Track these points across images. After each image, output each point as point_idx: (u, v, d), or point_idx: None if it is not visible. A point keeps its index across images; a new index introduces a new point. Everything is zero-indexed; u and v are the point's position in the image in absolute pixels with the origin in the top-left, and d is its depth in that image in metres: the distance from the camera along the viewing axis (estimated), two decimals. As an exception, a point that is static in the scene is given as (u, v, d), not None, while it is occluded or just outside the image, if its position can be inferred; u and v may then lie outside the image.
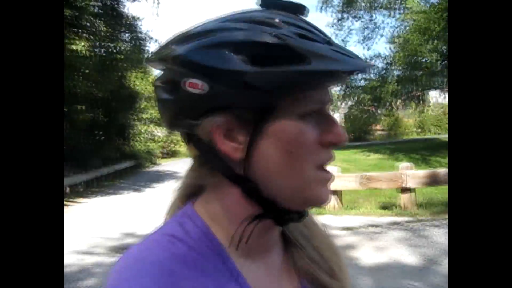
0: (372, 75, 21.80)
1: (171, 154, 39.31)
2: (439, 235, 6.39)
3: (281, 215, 0.68)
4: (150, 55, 0.75)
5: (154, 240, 0.67)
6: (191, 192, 0.75)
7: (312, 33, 0.65)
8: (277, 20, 0.64)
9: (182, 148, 39.19)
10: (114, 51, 17.61)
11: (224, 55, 0.62)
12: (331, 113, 0.69)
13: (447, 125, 36.95)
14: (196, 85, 0.62)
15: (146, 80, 27.84)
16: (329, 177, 0.68)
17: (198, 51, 0.64)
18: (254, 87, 0.61)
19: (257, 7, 0.69)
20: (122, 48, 17.97)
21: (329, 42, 0.66)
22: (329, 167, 0.70)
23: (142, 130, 32.22)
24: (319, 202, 0.68)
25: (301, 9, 0.69)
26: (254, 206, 0.67)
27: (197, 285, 0.63)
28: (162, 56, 0.69)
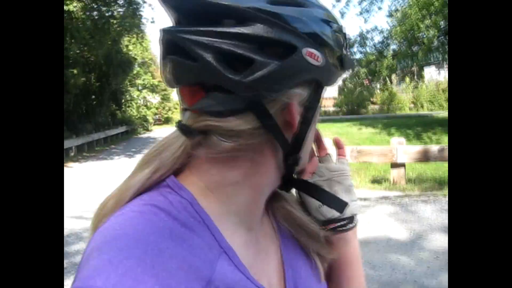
0: (368, 49, 21.65)
1: (164, 120, 39.14)
2: (427, 211, 6.46)
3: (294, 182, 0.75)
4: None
5: (136, 212, 0.61)
6: (178, 166, 0.69)
7: None
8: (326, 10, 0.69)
9: (176, 115, 39.06)
10: (107, 14, 17.26)
11: (332, 33, 0.66)
12: None
13: (441, 102, 37.07)
14: (314, 56, 0.61)
15: (141, 46, 27.51)
16: None
17: (315, 21, 0.63)
18: (343, 68, 0.68)
19: None
20: (116, 11, 17.61)
21: None
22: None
23: (135, 96, 32.04)
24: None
25: None
26: (278, 177, 0.70)
27: (184, 264, 0.58)
28: (265, 10, 0.59)
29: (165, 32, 0.61)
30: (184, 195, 0.65)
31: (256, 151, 0.65)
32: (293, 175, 0.72)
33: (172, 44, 0.61)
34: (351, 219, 0.83)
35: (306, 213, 0.81)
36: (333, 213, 0.80)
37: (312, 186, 0.78)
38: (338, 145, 0.87)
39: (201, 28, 0.59)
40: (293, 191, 0.81)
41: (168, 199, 0.64)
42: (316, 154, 0.84)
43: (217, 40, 0.58)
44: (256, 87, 0.59)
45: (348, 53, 0.71)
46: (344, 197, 0.80)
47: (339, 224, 0.81)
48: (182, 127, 0.66)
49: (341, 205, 0.77)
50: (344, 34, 0.70)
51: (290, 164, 0.68)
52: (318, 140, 0.84)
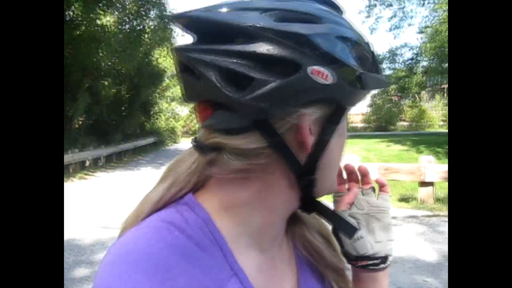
0: (398, 65, 21.48)
1: (193, 132, 39.43)
2: (456, 232, 6.30)
3: (314, 204, 0.70)
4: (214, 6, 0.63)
5: (151, 227, 0.62)
6: (195, 183, 0.69)
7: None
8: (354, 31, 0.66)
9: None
10: (139, 28, 17.69)
11: (348, 51, 0.62)
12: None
13: (472, 120, 36.12)
14: (320, 73, 0.58)
15: (170, 58, 27.96)
16: None
17: (326, 38, 0.60)
18: (363, 87, 0.63)
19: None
20: (147, 25, 18.04)
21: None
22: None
23: (164, 108, 32.50)
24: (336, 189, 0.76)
25: (340, 9, 0.69)
26: (293, 197, 0.67)
27: (194, 282, 0.58)
28: (269, 28, 0.58)
29: (175, 50, 0.62)
30: (200, 214, 0.65)
31: (267, 171, 0.64)
32: (312, 196, 0.68)
33: (180, 62, 0.62)
34: (384, 259, 0.78)
35: (336, 244, 0.80)
36: (367, 250, 0.77)
37: (325, 208, 0.73)
38: (380, 183, 0.83)
39: (204, 47, 0.59)
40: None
41: (183, 217, 0.64)
42: (359, 186, 0.81)
43: (218, 58, 0.58)
44: (257, 106, 0.58)
45: (376, 72, 0.67)
46: (380, 235, 0.78)
47: (371, 262, 0.77)
48: (196, 144, 0.67)
49: (351, 231, 0.73)
50: (372, 52, 0.67)
51: (304, 186, 0.66)
52: (364, 173, 0.81)
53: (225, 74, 0.58)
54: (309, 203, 0.69)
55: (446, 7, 16.17)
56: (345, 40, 0.62)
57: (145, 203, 0.67)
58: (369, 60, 0.65)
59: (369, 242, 0.77)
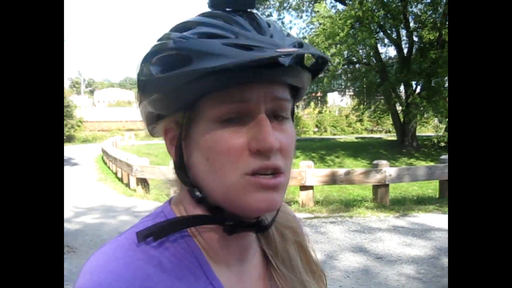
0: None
1: (67, 139, 37.10)
2: (336, 232, 6.72)
3: (224, 222, 0.65)
4: None
5: (128, 239, 0.64)
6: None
7: (223, 29, 0.61)
8: (192, 22, 0.64)
9: (79, 132, 37.21)
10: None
11: (146, 65, 0.64)
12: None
13: (343, 127, 38.86)
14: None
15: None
16: (262, 182, 0.61)
17: (143, 62, 0.66)
18: (158, 93, 0.63)
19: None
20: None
21: (237, 35, 0.60)
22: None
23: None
24: (252, 210, 0.63)
25: (246, 4, 0.65)
26: (207, 211, 0.67)
27: None
28: None
29: None
30: None
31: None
32: (215, 207, 0.66)
33: None
34: None
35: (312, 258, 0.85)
36: None
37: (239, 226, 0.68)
38: None
39: None
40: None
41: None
42: None
43: None
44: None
45: (186, 65, 0.59)
46: None
47: None
48: None
49: None
50: (177, 48, 0.60)
51: (193, 197, 0.67)
52: None
53: None
54: (224, 221, 0.66)
55: (321, 20, 17.13)
56: (148, 55, 0.65)
57: None
58: (172, 59, 0.61)
59: None
